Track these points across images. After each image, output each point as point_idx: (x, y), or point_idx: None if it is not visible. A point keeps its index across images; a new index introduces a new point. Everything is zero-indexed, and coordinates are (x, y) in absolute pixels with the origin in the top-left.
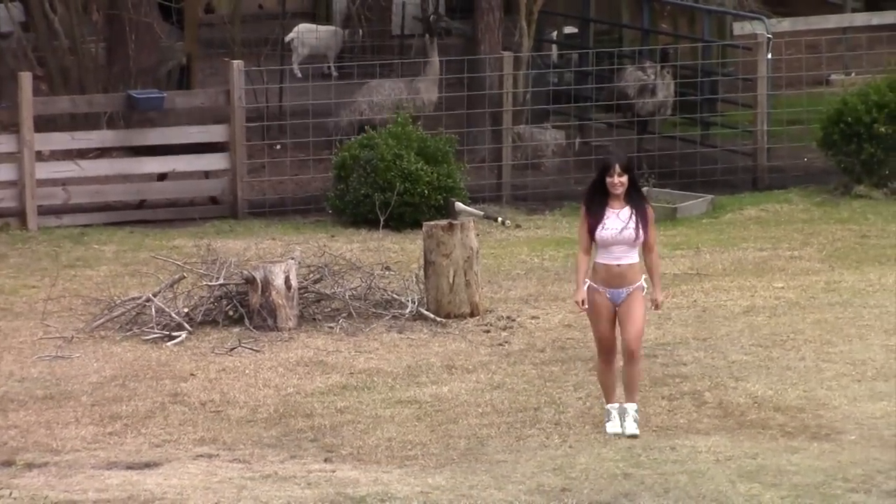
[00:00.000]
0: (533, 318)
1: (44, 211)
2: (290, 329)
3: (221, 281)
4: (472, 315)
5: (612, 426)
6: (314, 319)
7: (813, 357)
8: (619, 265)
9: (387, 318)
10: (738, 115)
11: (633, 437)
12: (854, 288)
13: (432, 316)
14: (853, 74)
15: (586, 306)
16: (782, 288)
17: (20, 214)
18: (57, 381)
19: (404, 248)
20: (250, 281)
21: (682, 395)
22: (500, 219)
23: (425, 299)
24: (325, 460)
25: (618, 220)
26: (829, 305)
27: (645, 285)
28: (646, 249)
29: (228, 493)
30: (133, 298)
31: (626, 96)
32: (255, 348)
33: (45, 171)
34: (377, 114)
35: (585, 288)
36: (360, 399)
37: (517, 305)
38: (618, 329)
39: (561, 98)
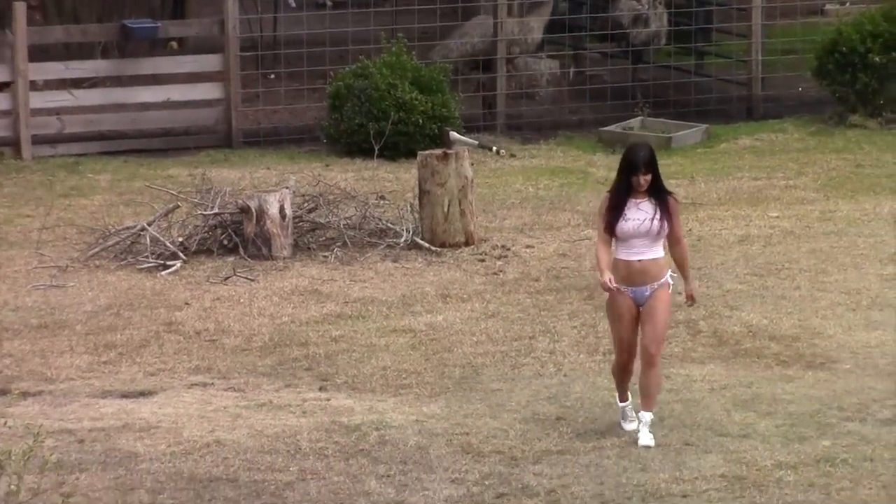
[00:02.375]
0: (528, 247)
1: (38, 140)
2: (284, 258)
3: (216, 210)
4: (466, 244)
5: (627, 423)
6: (309, 248)
7: (808, 286)
8: (640, 261)
9: (381, 247)
10: (732, 44)
11: (647, 448)
12: (849, 217)
13: (427, 245)
14: (848, 4)
15: (615, 285)
16: (777, 217)
17: (14, 144)
18: (51, 310)
19: (399, 178)
20: (245, 210)
21: (676, 325)
22: (494, 148)
23: (420, 228)
24: (320, 389)
25: (639, 212)
26: (823, 234)
27: (671, 282)
28: (672, 242)
29: (223, 422)
30: (128, 228)
31: (620, 26)
32: (249, 277)
33: (39, 100)
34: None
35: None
36: (355, 328)
37: (512, 234)
38: None
39: (555, 27)
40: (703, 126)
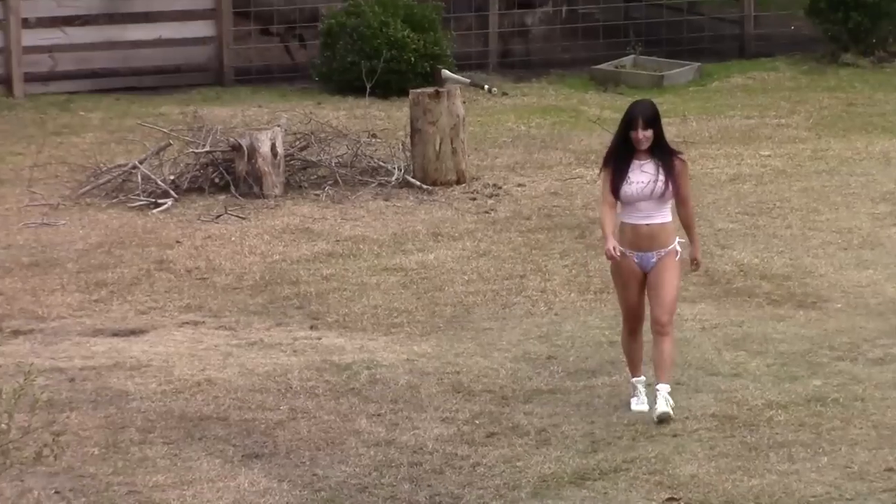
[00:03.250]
0: (519, 185)
1: (30, 78)
2: (275, 196)
3: (207, 148)
4: (458, 182)
5: (638, 403)
6: (300, 187)
7: (799, 225)
8: (648, 224)
9: (373, 185)
10: None
11: (665, 417)
12: (841, 156)
13: (418, 183)
14: None
15: (618, 252)
16: (769, 156)
17: (6, 81)
18: (43, 249)
19: (391, 116)
20: (236, 148)
21: None
22: (486, 86)
23: (411, 167)
24: (311, 327)
25: (643, 174)
26: (815, 173)
27: (679, 249)
28: (679, 203)
29: (214, 361)
30: (119, 166)
31: None
32: (240, 215)
33: (31, 38)
34: None
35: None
36: (346, 266)
37: (503, 173)
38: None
39: None
40: (696, 64)
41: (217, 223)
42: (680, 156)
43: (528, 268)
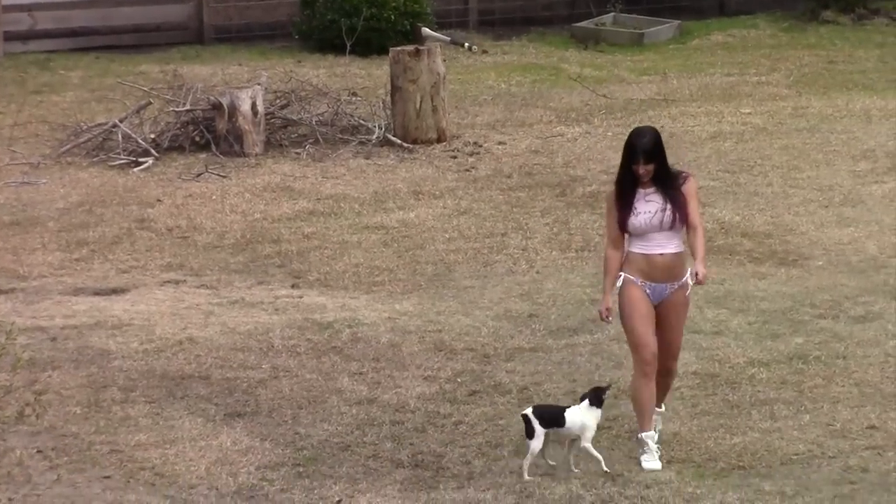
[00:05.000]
0: (500, 143)
1: (9, 37)
2: (256, 155)
3: (188, 107)
4: (438, 141)
5: (649, 461)
6: (281, 145)
7: (780, 183)
8: (662, 255)
9: (353, 143)
10: None
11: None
12: (821, 114)
13: (399, 142)
14: None
15: (610, 319)
16: (749, 113)
17: None
18: (23, 207)
19: (371, 74)
20: (217, 106)
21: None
22: (466, 44)
23: (392, 125)
24: (293, 286)
25: (649, 203)
26: (796, 131)
27: (691, 282)
28: (689, 228)
29: (196, 319)
30: (99, 124)
31: None
32: (221, 174)
33: None
34: None
35: (619, 283)
36: (327, 225)
37: (484, 131)
38: None
39: None
40: (676, 22)
41: (198, 182)
42: (687, 179)
43: (509, 226)
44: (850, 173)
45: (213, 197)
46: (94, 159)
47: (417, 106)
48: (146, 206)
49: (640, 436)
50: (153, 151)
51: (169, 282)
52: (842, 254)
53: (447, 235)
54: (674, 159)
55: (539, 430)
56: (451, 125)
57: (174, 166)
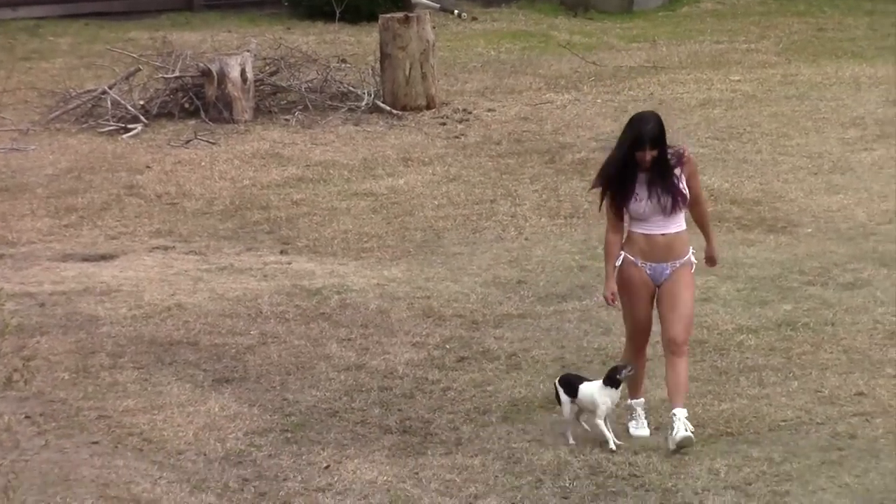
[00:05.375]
0: (489, 110)
1: None
2: (245, 121)
3: (177, 73)
4: (427, 107)
5: (637, 427)
6: (270, 112)
7: (769, 150)
8: (664, 234)
9: (343, 110)
10: None
11: (686, 442)
12: (810, 81)
13: (388, 108)
14: None
15: (617, 303)
16: (739, 81)
17: None
18: (12, 174)
19: (360, 41)
20: (206, 73)
21: None
22: (456, 11)
23: (381, 92)
24: (281, 252)
25: (651, 187)
26: (785, 98)
27: (695, 260)
28: (692, 203)
29: (184, 285)
30: (89, 91)
31: None
32: (210, 140)
33: None
34: None
35: (619, 262)
36: (316, 191)
37: (473, 98)
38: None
39: None
40: None
41: (187, 148)
42: (686, 157)
43: (498, 192)
44: (840, 141)
45: (203, 163)
46: (84, 126)
47: (407, 73)
48: (135, 173)
49: (629, 402)
50: (142, 118)
51: (158, 248)
52: (831, 221)
53: (436, 202)
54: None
55: (564, 398)
56: (440, 92)
57: (163, 133)
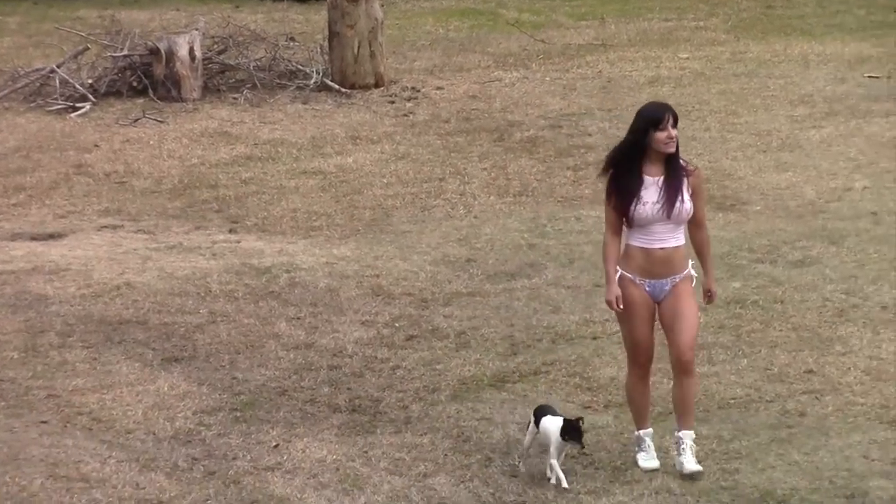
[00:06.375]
0: (438, 88)
1: None
2: (194, 100)
3: (125, 52)
4: (376, 86)
5: (646, 459)
6: (218, 90)
7: (718, 128)
8: (662, 248)
9: (291, 88)
10: None
11: (696, 476)
12: (759, 59)
13: (337, 87)
14: None
15: (621, 306)
16: (687, 59)
17: None
18: None
19: (309, 19)
20: (154, 52)
21: (587, 166)
22: None
23: (330, 70)
24: (230, 231)
25: (658, 190)
26: (734, 76)
27: (694, 273)
28: (693, 225)
29: (133, 264)
30: (37, 70)
31: None
32: (159, 119)
33: None
34: None
35: (617, 278)
36: (265, 170)
37: (422, 76)
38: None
39: None
40: None
41: (135, 127)
42: (695, 172)
43: (447, 171)
44: (788, 118)
45: (151, 142)
46: (32, 104)
47: (355, 51)
48: (84, 152)
49: (635, 433)
50: (91, 97)
51: (106, 227)
52: (780, 198)
53: (385, 180)
54: (612, 104)
55: (532, 428)
56: (388, 70)
57: (112, 111)
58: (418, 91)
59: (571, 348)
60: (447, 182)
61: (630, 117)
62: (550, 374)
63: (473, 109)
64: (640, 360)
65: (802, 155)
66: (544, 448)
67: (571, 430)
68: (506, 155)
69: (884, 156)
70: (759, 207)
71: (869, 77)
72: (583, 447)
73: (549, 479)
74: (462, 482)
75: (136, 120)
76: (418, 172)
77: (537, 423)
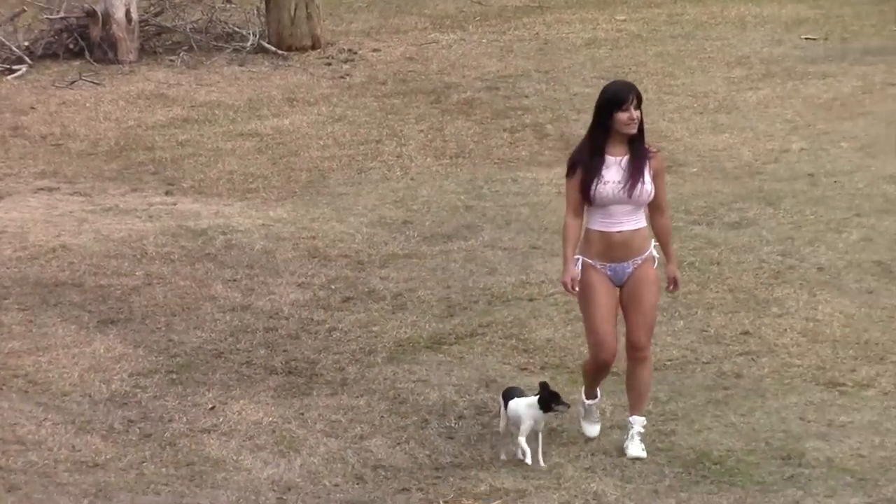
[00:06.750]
0: (374, 50)
1: None
2: (130, 62)
3: (62, 14)
4: (313, 48)
5: (590, 425)
6: (155, 52)
7: (655, 89)
8: (620, 231)
9: (228, 51)
10: None
11: (637, 459)
12: (696, 20)
13: (273, 49)
14: None
15: (577, 288)
16: (624, 20)
17: None
18: None
19: None
20: (91, 14)
21: (523, 128)
22: None
23: (266, 32)
24: (167, 193)
25: (620, 171)
26: (671, 38)
27: (656, 254)
28: (654, 210)
29: (69, 227)
30: None
31: None
32: (95, 81)
33: None
34: None
35: (578, 266)
36: (202, 132)
37: (359, 38)
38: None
39: None
40: None
41: (72, 89)
42: (656, 155)
43: (383, 133)
44: (725, 80)
45: (87, 104)
46: None
47: (292, 13)
48: (20, 114)
49: (584, 401)
50: (27, 59)
51: (42, 189)
52: (716, 160)
53: (322, 142)
54: (548, 66)
55: (503, 412)
56: (325, 32)
57: (48, 74)
58: (355, 53)
59: (508, 310)
60: (384, 144)
61: (567, 79)
62: (487, 335)
63: (410, 71)
64: (600, 357)
65: (739, 117)
66: (517, 427)
67: (550, 399)
68: (442, 117)
69: (820, 117)
70: (695, 169)
71: (806, 39)
72: (567, 406)
73: (521, 458)
74: (398, 444)
75: (72, 82)
76: (355, 134)
77: (507, 406)
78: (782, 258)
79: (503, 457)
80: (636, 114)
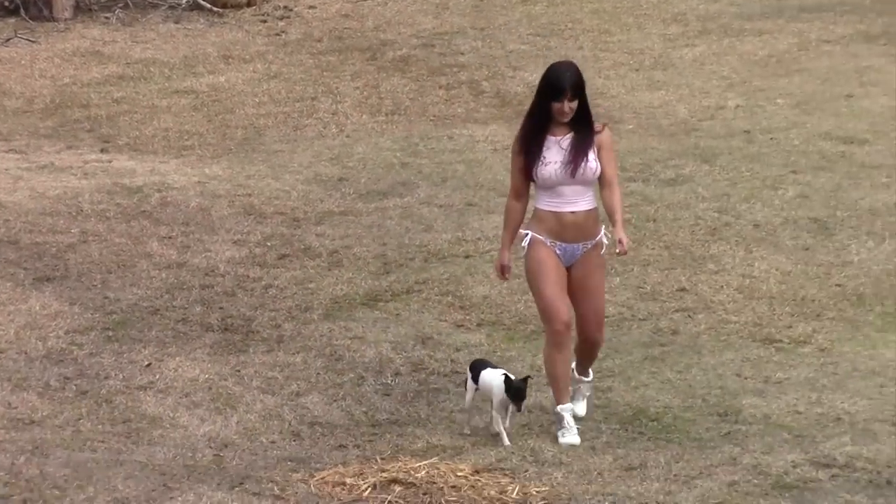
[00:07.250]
0: (310, 7)
1: None
2: (66, 20)
3: None
4: (248, 5)
5: (566, 436)
6: (90, 10)
7: (591, 46)
8: (573, 212)
9: (163, 8)
10: None
11: (577, 418)
12: None
13: (209, 6)
14: None
15: (507, 276)
16: None
17: None
18: None
19: None
20: None
21: (459, 85)
22: None
23: None
24: (102, 150)
25: (561, 151)
26: None
27: (606, 241)
28: (603, 185)
29: (4, 184)
30: None
31: None
32: (30, 39)
33: None
34: None
35: (526, 242)
36: (137, 89)
37: None
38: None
39: None
40: None
41: (6, 47)
42: (603, 129)
43: (319, 90)
44: (661, 37)
45: (23, 62)
46: None
47: None
48: None
49: (556, 409)
50: None
51: None
52: (652, 117)
53: (257, 100)
54: (484, 23)
55: (470, 384)
56: None
57: None
58: (290, 10)
59: (444, 267)
60: (319, 101)
61: (503, 36)
62: (423, 292)
63: (346, 28)
64: (557, 328)
65: (675, 73)
66: (487, 400)
67: (516, 391)
68: (378, 74)
69: (756, 74)
70: (631, 126)
71: None
72: (520, 411)
73: (496, 433)
74: (335, 401)
75: (7, 40)
76: (290, 92)
77: (475, 378)
78: (718, 215)
79: (466, 431)
80: (570, 106)
